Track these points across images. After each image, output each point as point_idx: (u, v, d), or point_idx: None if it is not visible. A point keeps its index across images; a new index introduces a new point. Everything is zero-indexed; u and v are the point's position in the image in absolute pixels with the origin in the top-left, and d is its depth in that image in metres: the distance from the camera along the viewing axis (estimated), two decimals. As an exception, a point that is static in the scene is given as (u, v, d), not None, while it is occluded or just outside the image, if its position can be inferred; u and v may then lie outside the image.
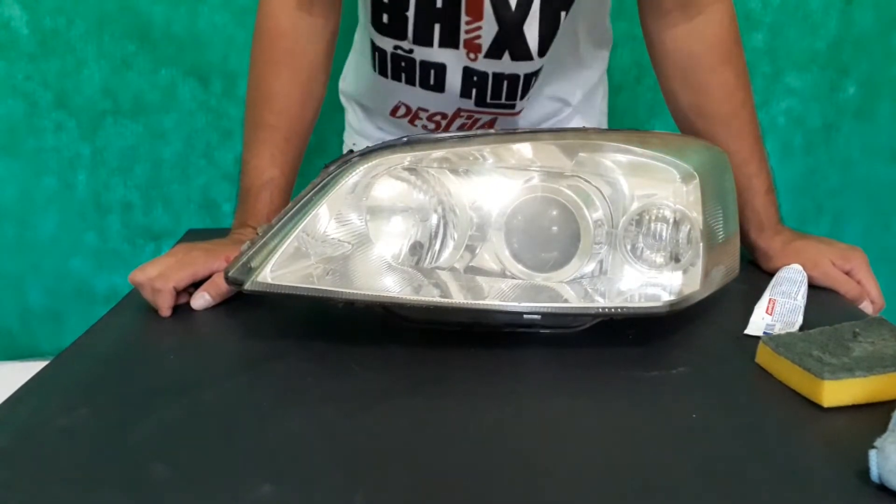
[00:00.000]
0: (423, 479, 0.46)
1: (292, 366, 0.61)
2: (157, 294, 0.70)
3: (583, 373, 0.61)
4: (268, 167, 0.81)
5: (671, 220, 0.62)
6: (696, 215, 0.62)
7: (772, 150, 1.32)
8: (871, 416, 0.51)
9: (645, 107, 1.29)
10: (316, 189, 0.62)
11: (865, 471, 0.45)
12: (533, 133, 0.66)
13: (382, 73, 0.91)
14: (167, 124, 1.27)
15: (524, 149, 0.63)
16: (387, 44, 0.87)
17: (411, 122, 0.96)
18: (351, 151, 0.64)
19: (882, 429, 0.46)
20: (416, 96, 0.91)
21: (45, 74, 1.23)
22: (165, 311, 0.70)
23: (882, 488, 0.44)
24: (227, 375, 0.59)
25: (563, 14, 0.84)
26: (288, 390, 0.57)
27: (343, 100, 1.08)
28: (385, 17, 0.83)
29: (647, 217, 0.62)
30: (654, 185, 0.62)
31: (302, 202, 0.62)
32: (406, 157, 0.62)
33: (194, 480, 0.46)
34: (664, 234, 0.62)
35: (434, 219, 0.62)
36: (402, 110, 0.95)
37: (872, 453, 0.45)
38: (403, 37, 0.84)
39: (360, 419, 0.53)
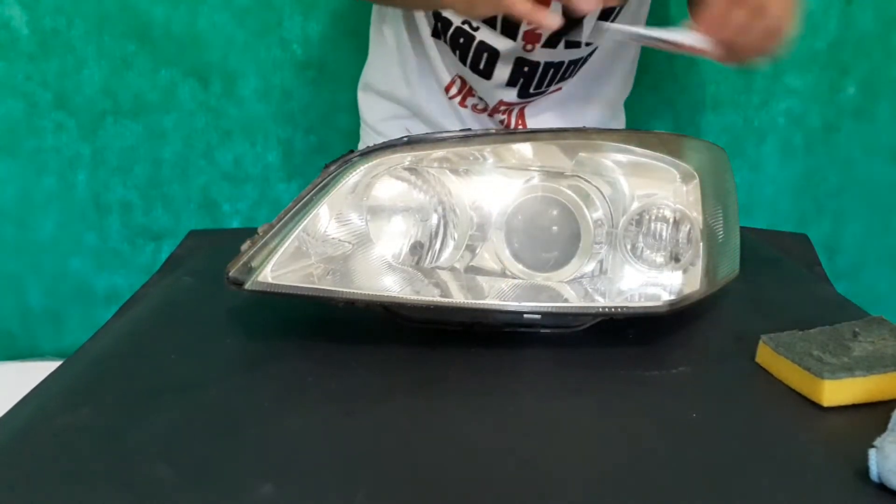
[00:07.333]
0: (424, 479, 0.46)
1: (293, 365, 0.61)
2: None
3: (583, 373, 0.61)
4: None
5: (671, 220, 0.62)
6: (696, 215, 0.62)
7: (772, 150, 1.32)
8: (871, 415, 0.51)
9: (645, 107, 1.29)
10: (316, 189, 0.62)
11: (865, 470, 0.45)
12: (533, 133, 0.66)
13: (444, 38, 0.92)
14: (167, 124, 1.27)
15: (524, 149, 0.63)
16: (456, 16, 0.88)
17: (462, 102, 0.97)
18: (351, 151, 0.64)
19: (882, 428, 0.46)
20: (468, 74, 0.93)
21: (45, 74, 1.23)
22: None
23: (882, 488, 0.44)
24: (228, 375, 0.60)
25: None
26: (288, 390, 0.57)
27: (367, 97, 1.06)
28: None
29: (647, 217, 0.62)
30: (654, 185, 0.62)
31: (302, 202, 0.62)
32: (406, 157, 0.62)
33: (195, 480, 0.46)
34: (664, 233, 0.62)
35: (434, 218, 0.62)
36: (457, 85, 0.96)
37: (872, 453, 0.45)
38: None
39: (361, 419, 0.53)
